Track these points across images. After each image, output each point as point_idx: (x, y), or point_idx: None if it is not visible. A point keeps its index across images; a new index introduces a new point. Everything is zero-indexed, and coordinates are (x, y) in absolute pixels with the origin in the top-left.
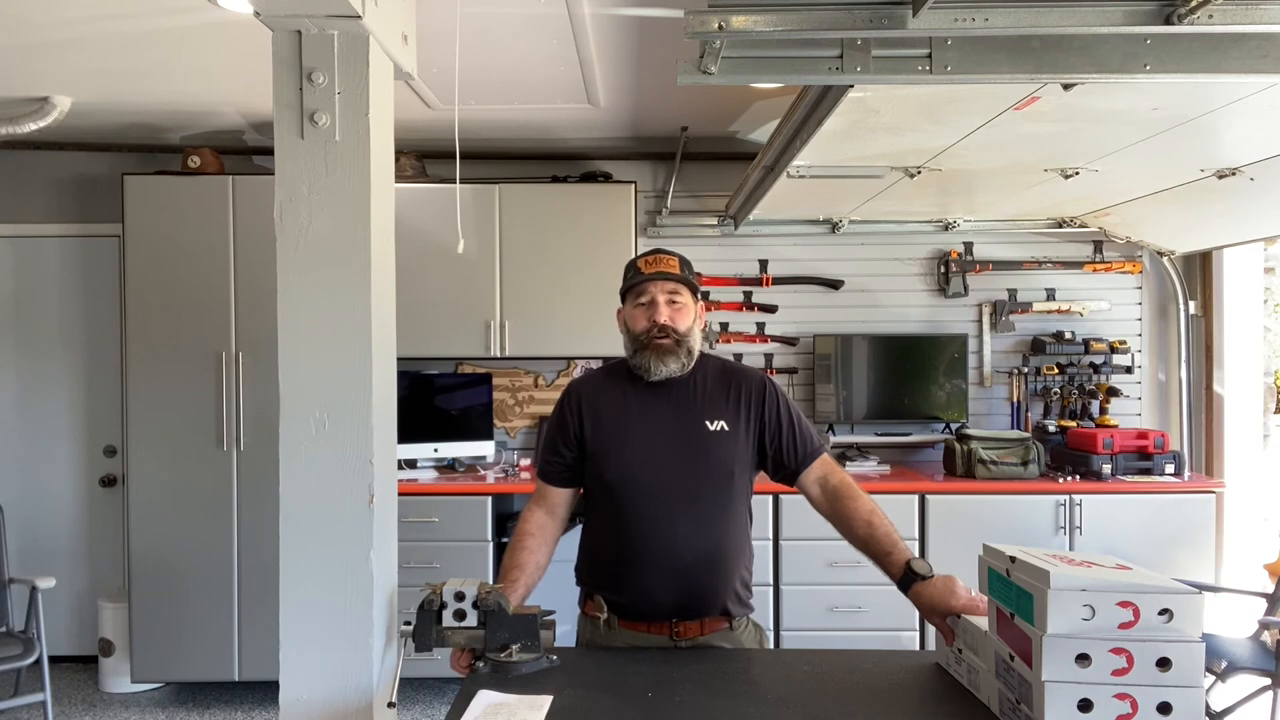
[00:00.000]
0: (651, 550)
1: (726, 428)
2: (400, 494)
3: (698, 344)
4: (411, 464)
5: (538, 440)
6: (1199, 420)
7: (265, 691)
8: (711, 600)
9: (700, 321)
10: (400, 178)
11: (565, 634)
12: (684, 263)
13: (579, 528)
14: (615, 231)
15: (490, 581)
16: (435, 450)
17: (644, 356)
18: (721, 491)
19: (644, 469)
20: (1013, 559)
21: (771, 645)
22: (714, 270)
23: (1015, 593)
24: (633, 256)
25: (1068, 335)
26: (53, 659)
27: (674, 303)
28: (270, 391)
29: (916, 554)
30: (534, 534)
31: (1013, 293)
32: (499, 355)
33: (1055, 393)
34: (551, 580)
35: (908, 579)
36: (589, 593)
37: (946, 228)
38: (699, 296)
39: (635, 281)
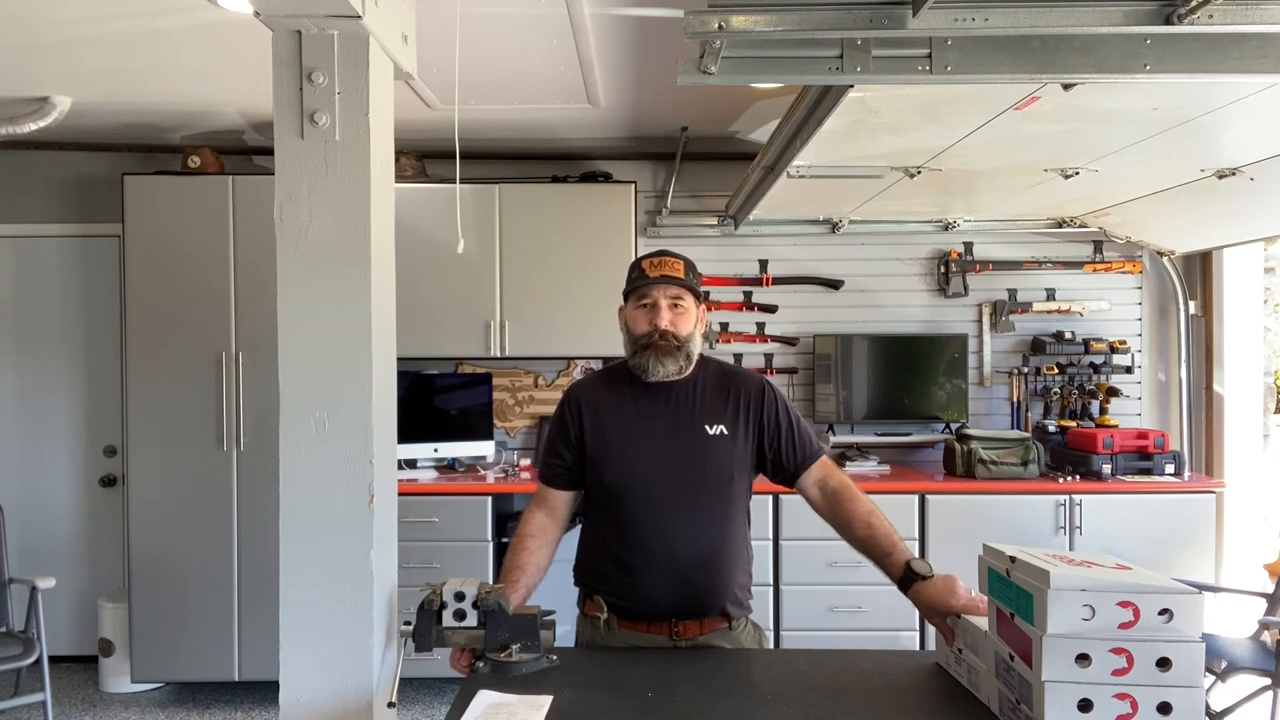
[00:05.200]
0: (651, 552)
1: (725, 431)
2: (400, 494)
3: (698, 348)
4: (411, 464)
5: (538, 440)
6: (1199, 420)
7: (265, 691)
8: (711, 601)
9: (702, 325)
10: (400, 178)
11: (565, 634)
12: (689, 266)
13: (578, 528)
14: (615, 231)
15: (490, 582)
16: (435, 450)
17: (644, 357)
18: (720, 494)
19: (644, 472)
20: (1013, 559)
21: (771, 645)
22: (714, 270)
23: (1015, 593)
24: (637, 256)
25: (1068, 335)
26: (53, 659)
27: (676, 307)
28: (270, 391)
29: (916, 554)
30: (535, 535)
31: (1013, 293)
32: (499, 355)
33: (1055, 393)
34: (551, 580)
35: (908, 579)
36: (588, 593)
37: (946, 228)
38: (701, 300)
39: (639, 284)
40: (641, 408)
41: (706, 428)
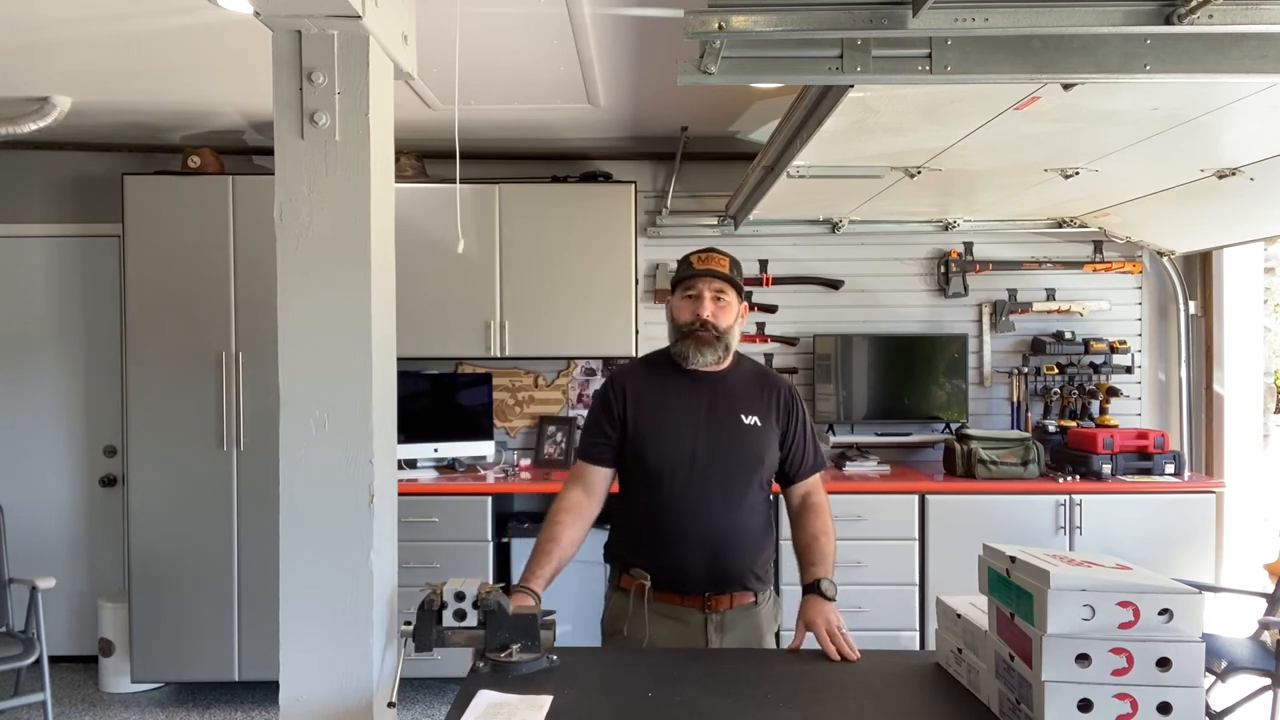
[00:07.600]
0: (685, 527)
1: (759, 423)
2: (400, 494)
3: (736, 341)
4: (411, 464)
5: (538, 440)
6: (1199, 420)
7: (265, 691)
8: (739, 575)
9: (742, 320)
10: (400, 178)
11: (565, 634)
12: (734, 263)
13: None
14: (615, 231)
15: (490, 581)
16: (435, 450)
17: (685, 345)
18: (751, 479)
19: (684, 453)
20: (1013, 559)
21: (783, 619)
22: None
23: (1015, 593)
24: (689, 252)
25: (1068, 335)
26: (53, 659)
27: (719, 300)
28: (270, 391)
29: (916, 555)
30: (570, 510)
31: (1013, 293)
32: (499, 355)
33: (1055, 393)
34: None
35: (812, 588)
36: (624, 566)
37: (946, 228)
38: (744, 297)
39: (687, 275)
40: (681, 393)
41: (742, 417)
